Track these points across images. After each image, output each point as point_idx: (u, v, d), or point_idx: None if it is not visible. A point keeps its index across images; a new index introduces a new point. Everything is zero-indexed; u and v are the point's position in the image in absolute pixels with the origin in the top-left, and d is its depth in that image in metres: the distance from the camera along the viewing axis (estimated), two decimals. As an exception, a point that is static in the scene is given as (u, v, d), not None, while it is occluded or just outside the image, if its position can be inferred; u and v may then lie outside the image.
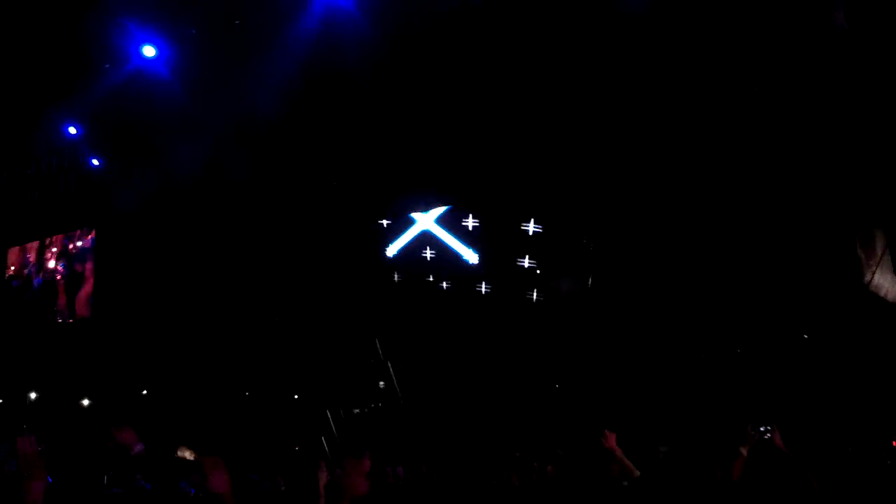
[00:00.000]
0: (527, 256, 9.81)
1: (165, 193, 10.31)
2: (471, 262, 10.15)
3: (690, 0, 7.86)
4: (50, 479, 2.13)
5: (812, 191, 7.93)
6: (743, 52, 7.96)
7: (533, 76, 8.71)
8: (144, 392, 10.14)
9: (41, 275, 10.87)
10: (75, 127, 10.40)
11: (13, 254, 10.97)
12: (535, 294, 9.85)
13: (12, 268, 10.96)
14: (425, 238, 10.31)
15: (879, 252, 7.79)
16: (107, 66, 9.78)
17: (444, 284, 10.27)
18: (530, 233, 9.77)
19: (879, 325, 7.64)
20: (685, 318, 8.33)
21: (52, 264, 10.84)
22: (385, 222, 10.48)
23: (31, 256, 10.82)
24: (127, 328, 10.01)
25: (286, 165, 9.97)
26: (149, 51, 9.53)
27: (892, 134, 7.60)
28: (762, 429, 2.96)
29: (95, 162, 10.55)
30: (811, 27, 7.81)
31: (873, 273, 7.81)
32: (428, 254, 10.24)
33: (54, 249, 10.81)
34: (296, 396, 10.51)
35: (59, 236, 10.56)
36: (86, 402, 10.37)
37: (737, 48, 7.90)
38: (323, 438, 10.18)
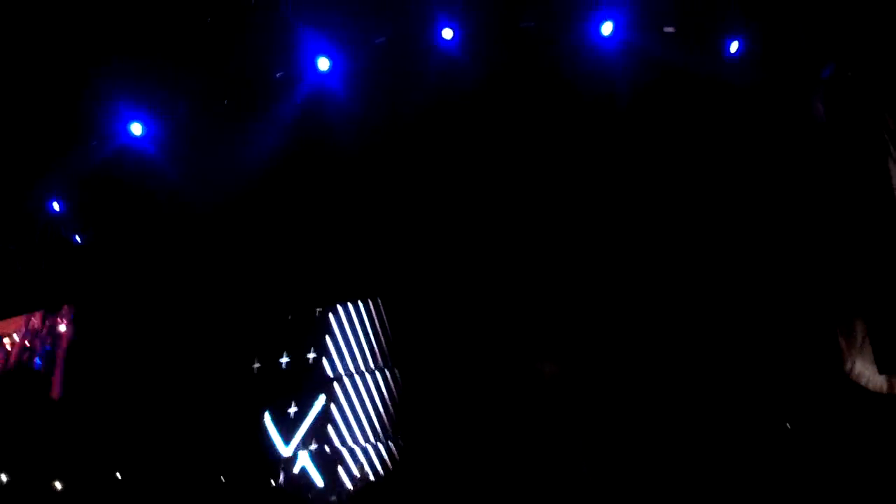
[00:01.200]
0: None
1: (148, 271, 10.27)
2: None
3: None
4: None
5: (792, 279, 8.05)
6: (715, 142, 8.18)
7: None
8: (118, 475, 9.89)
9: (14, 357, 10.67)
10: (59, 203, 10.36)
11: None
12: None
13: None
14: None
15: (860, 341, 7.88)
16: (94, 143, 9.84)
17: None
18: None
19: (861, 413, 7.68)
20: (666, 407, 8.31)
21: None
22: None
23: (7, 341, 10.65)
24: (101, 408, 9.81)
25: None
26: (136, 128, 9.61)
27: (874, 223, 7.79)
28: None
29: (78, 239, 10.47)
30: (790, 119, 8.06)
31: (854, 362, 7.88)
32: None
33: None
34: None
35: (36, 318, 10.41)
36: (58, 485, 10.06)
37: (709, 139, 8.13)
38: None
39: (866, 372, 7.76)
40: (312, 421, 10.48)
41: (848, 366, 7.88)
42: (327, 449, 10.26)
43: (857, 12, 7.76)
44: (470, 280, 9.28)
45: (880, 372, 7.68)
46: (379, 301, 10.81)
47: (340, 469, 10.27)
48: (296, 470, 10.22)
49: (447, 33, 8.55)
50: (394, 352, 10.71)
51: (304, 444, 10.33)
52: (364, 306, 10.89)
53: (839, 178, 8.03)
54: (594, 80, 8.43)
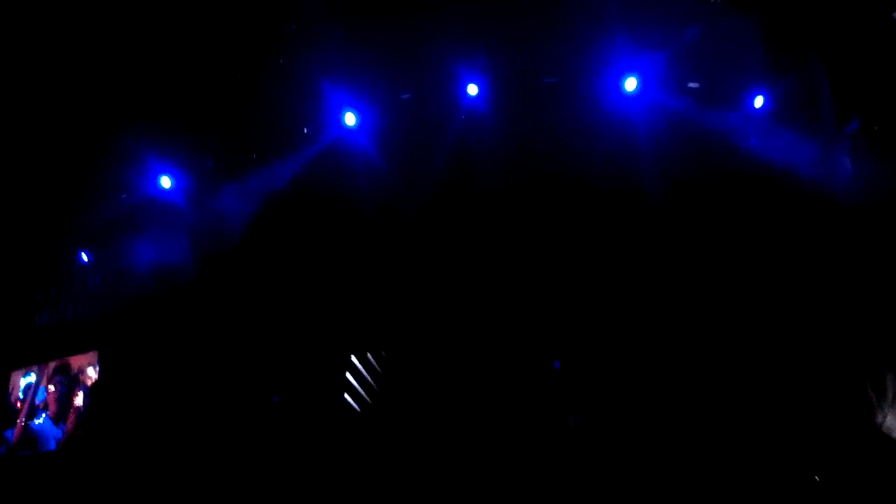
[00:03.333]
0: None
1: (167, 318, 10.36)
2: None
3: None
4: None
5: (823, 332, 8.05)
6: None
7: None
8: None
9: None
10: (86, 254, 10.50)
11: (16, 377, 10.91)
12: None
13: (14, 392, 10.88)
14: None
15: (891, 394, 7.84)
16: (123, 196, 10.00)
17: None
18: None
19: (892, 468, 7.63)
20: (696, 460, 8.27)
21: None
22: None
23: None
24: (123, 450, 9.86)
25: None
26: (165, 182, 9.76)
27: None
28: None
29: (102, 286, 10.60)
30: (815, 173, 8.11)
31: (885, 415, 7.83)
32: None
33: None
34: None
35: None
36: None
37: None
38: None
39: (897, 427, 7.72)
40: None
41: (879, 419, 7.83)
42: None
43: (882, 66, 7.83)
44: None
45: (912, 427, 7.64)
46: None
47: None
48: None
49: (472, 89, 8.64)
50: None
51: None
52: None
53: (866, 230, 8.07)
54: (618, 136, 8.51)
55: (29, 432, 10.67)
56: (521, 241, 9.01)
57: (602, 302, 8.84)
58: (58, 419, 10.73)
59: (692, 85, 8.40)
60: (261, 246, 9.84)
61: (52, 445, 10.46)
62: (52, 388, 10.94)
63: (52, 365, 10.99)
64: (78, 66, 8.78)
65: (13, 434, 10.75)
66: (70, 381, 10.79)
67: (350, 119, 8.99)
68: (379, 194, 9.22)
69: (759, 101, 8.26)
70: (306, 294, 9.91)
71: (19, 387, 11.06)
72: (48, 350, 10.96)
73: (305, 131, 9.30)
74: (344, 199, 9.37)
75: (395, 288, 9.43)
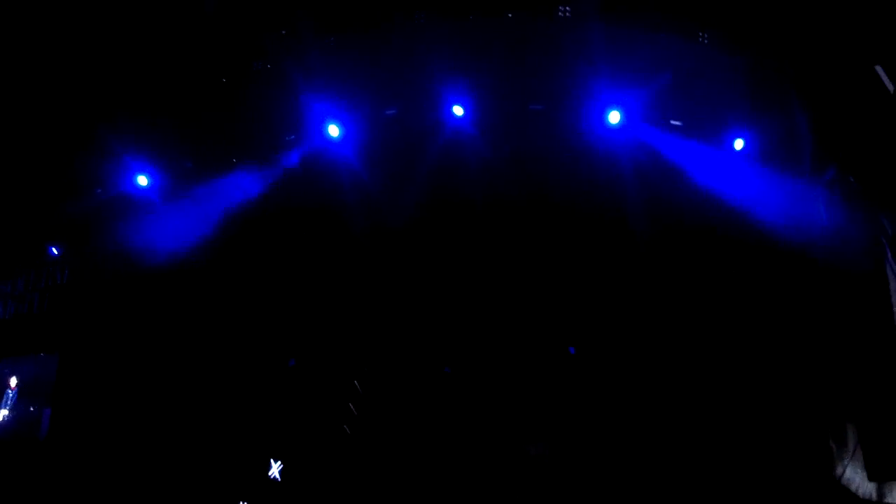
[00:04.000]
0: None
1: (137, 321, 10.20)
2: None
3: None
4: None
5: (784, 383, 8.04)
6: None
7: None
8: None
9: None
10: (57, 248, 10.36)
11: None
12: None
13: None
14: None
15: (851, 446, 7.84)
16: (98, 191, 9.88)
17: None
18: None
19: (850, 519, 7.61)
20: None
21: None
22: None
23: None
24: (86, 452, 9.65)
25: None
26: (142, 180, 9.66)
27: (868, 329, 7.82)
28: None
29: (67, 283, 10.44)
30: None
31: (845, 467, 7.83)
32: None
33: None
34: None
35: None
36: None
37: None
38: None
39: (857, 478, 7.72)
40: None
41: (839, 471, 7.83)
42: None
43: (859, 117, 7.89)
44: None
45: (870, 479, 7.64)
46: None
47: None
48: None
49: (458, 110, 8.63)
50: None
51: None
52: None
53: (836, 280, 8.09)
54: (598, 165, 8.52)
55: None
56: (497, 258, 8.99)
57: (573, 323, 8.86)
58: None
59: (675, 123, 8.41)
60: (234, 250, 9.73)
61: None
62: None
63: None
64: (65, 62, 8.68)
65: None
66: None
67: (333, 130, 8.95)
68: (359, 203, 9.17)
69: (739, 144, 8.30)
70: (277, 298, 9.82)
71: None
72: (8, 345, 10.77)
73: (289, 139, 9.24)
74: (322, 205, 9.30)
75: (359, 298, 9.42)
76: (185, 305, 10.10)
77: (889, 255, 7.98)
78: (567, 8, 8.15)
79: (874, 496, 7.59)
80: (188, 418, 9.90)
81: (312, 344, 9.79)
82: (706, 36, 8.05)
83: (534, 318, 8.91)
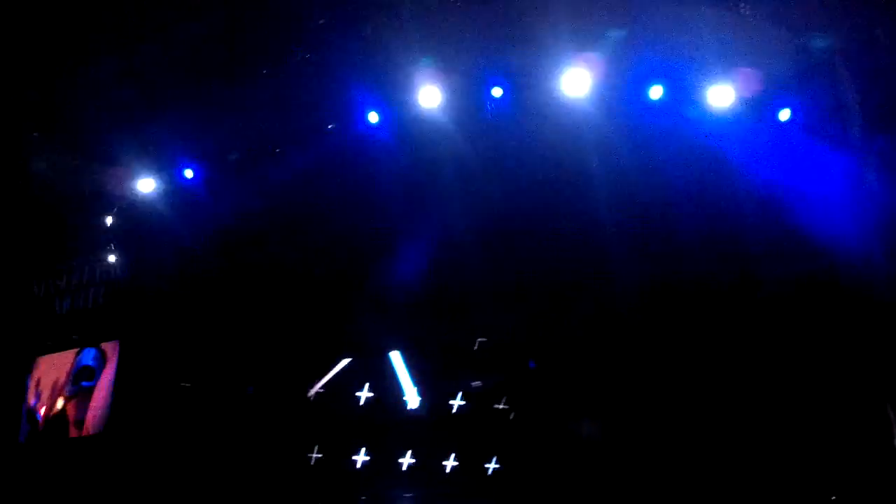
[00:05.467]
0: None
1: (188, 309, 10.44)
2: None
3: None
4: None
5: (843, 349, 7.98)
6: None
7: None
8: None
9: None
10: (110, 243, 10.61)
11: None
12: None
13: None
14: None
15: (910, 414, 7.79)
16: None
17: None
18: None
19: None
20: (711, 480, 8.26)
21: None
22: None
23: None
24: (144, 444, 9.93)
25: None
26: (188, 173, 9.85)
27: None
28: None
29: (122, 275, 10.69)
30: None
31: (903, 435, 7.78)
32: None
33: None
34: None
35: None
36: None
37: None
38: None
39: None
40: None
41: (897, 440, 7.80)
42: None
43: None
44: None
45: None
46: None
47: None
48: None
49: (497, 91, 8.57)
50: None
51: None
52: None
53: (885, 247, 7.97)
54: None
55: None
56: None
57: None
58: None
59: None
60: (275, 240, 9.89)
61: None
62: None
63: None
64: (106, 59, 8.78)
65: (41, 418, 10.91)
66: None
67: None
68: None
69: (784, 114, 8.13)
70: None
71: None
72: (69, 338, 11.06)
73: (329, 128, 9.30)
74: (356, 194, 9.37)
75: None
76: (231, 294, 10.34)
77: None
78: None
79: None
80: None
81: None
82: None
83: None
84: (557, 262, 9.08)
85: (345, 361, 10.51)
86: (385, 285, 9.88)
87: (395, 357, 10.36)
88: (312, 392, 10.39)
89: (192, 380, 10.40)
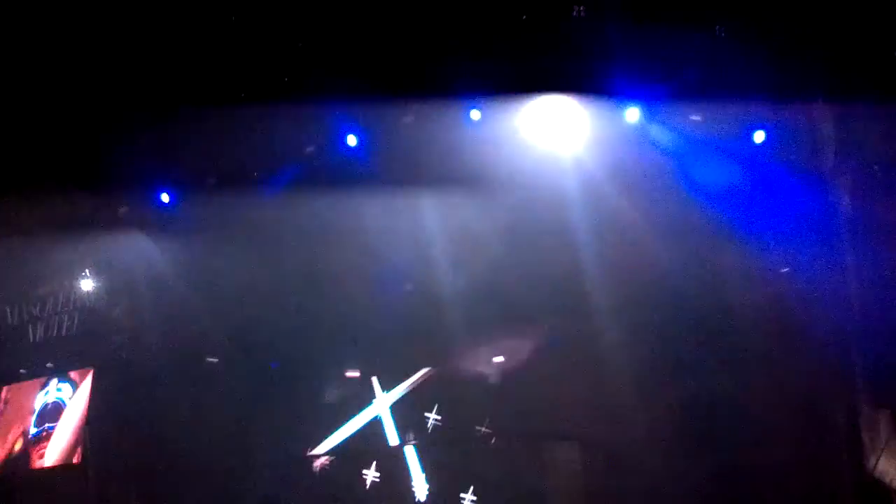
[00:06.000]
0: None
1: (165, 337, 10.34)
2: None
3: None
4: None
5: (816, 371, 7.98)
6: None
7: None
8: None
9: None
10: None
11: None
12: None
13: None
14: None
15: (885, 437, 7.77)
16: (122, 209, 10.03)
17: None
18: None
19: (885, 510, 7.54)
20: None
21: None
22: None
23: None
24: (120, 472, 9.76)
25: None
26: (164, 197, 9.81)
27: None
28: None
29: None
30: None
31: (878, 458, 7.76)
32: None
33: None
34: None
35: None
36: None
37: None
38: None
39: (891, 470, 7.65)
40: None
41: (871, 462, 7.77)
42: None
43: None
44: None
45: (906, 470, 7.57)
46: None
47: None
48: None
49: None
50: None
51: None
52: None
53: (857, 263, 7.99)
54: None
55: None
56: None
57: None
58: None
59: (694, 117, 8.32)
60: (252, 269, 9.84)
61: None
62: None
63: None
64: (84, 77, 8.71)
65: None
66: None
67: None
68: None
69: (759, 136, 8.20)
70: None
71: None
72: (43, 365, 10.90)
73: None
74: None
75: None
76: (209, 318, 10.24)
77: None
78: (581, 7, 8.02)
79: (910, 487, 7.53)
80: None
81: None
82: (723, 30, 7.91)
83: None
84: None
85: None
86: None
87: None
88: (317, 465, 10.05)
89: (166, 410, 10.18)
